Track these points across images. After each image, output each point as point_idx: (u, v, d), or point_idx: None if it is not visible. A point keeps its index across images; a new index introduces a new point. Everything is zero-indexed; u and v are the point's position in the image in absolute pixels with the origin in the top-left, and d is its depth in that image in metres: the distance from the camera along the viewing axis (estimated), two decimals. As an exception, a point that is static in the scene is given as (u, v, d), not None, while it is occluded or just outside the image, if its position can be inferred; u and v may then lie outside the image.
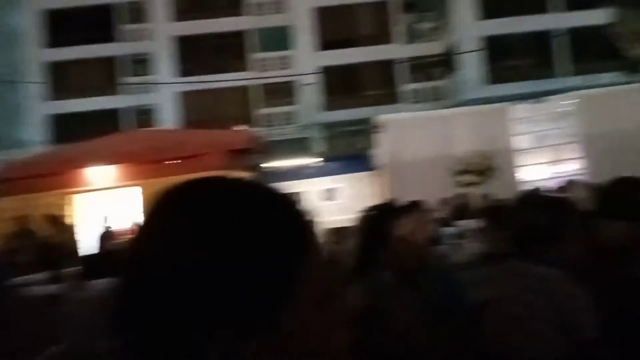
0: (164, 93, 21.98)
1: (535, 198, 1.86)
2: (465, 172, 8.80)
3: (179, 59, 22.55)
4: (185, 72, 22.12)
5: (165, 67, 22.49)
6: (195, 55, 22.18)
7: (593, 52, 16.49)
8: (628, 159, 8.80)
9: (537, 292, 1.61)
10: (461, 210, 8.37)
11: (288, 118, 22.14)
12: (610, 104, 10.49)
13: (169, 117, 21.44)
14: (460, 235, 6.40)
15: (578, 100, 10.94)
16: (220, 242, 0.48)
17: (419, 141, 11.19)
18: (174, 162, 7.05)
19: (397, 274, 1.89)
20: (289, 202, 0.54)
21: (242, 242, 0.48)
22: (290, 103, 22.31)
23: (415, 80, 21.87)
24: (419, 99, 21.22)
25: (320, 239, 0.55)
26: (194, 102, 22.04)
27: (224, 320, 0.47)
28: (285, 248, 0.50)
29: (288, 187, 13.36)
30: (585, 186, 7.10)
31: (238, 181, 0.56)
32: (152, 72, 22.71)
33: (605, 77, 11.25)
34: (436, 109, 17.34)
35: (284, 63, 22.47)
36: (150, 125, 19.83)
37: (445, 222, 7.54)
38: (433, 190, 9.29)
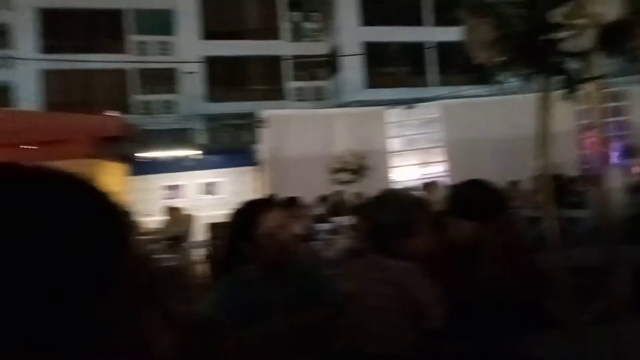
0: (24, 70, 19.67)
1: (390, 197, 1.97)
2: (341, 170, 9.14)
3: (43, 34, 20.32)
4: (51, 48, 20.00)
5: (26, 41, 20.13)
6: (63, 31, 20.15)
7: (458, 65, 18.13)
8: (485, 163, 9.83)
9: (388, 284, 1.71)
10: (337, 207, 8.70)
11: (167, 107, 21.12)
12: (470, 113, 11.62)
13: (29, 97, 19.21)
14: (334, 231, 6.65)
15: (442, 108, 11.96)
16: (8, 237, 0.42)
17: (300, 138, 11.39)
18: (32, 147, 6.32)
19: (262, 269, 1.88)
20: (105, 200, 0.49)
21: (41, 238, 0.43)
22: (170, 91, 21.29)
23: (300, 78, 22.20)
24: (303, 97, 21.59)
25: (141, 238, 0.51)
26: (60, 82, 20.03)
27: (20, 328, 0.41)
28: (91, 247, 0.45)
29: (165, 179, 12.75)
30: (443, 187, 7.79)
31: (47, 171, 0.49)
32: (10, 45, 20.20)
33: (468, 88, 12.45)
34: (318, 108, 17.78)
35: (165, 49, 21.38)
36: (5, 105, 17.60)
37: (322, 219, 7.79)
38: (312, 187, 9.53)
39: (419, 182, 10.45)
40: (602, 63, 1.05)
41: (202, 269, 6.13)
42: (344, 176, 9.12)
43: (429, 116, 12.04)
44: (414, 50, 21.09)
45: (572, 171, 6.93)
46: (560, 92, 1.12)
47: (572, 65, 1.01)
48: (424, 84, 20.22)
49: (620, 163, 9.22)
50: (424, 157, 12.13)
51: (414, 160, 12.17)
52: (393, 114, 12.16)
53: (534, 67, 1.03)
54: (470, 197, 2.13)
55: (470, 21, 1.13)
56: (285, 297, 1.85)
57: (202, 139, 19.22)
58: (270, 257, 1.89)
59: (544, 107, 1.13)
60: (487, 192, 2.14)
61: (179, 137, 17.51)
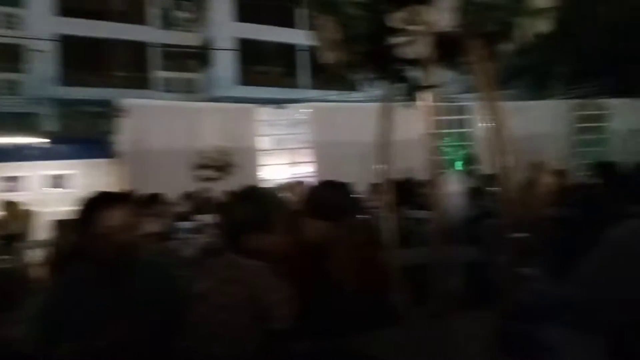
0: None
1: (246, 194, 1.93)
2: (206, 166, 8.90)
3: None
4: None
5: None
6: None
7: (318, 66, 18.87)
8: (350, 165, 10.27)
9: (236, 283, 1.67)
10: (201, 205, 8.41)
11: (11, 87, 18.66)
12: (339, 116, 12.09)
13: None
14: (197, 230, 6.42)
15: (312, 110, 12.29)
16: None
17: (164, 131, 10.84)
18: None
19: (99, 270, 1.72)
20: None
21: None
22: (15, 70, 18.83)
23: (168, 68, 21.15)
24: (170, 88, 20.60)
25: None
26: None
27: None
28: None
29: (3, 169, 11.27)
30: (304, 187, 7.96)
31: None
32: None
33: (337, 93, 12.96)
34: (186, 101, 17.14)
35: (11, 22, 18.90)
36: None
37: (185, 216, 7.47)
38: (175, 183, 9.10)
39: (287, 182, 10.57)
40: (439, 74, 1.11)
41: (40, 271, 5.49)
42: (210, 173, 8.88)
43: (299, 117, 12.27)
44: (287, 52, 21.37)
45: (420, 175, 7.52)
46: (402, 99, 1.16)
47: (412, 73, 1.05)
48: (295, 85, 20.59)
49: (461, 170, 10.30)
50: (293, 157, 12.33)
51: (283, 160, 12.31)
52: (264, 113, 12.16)
53: (376, 71, 1.05)
54: (322, 198, 2.17)
55: (318, 20, 1.12)
56: (122, 299, 1.71)
57: (51, 125, 17.32)
58: (109, 257, 1.73)
59: (386, 114, 1.16)
60: (338, 193, 2.20)
61: (22, 122, 15.57)
